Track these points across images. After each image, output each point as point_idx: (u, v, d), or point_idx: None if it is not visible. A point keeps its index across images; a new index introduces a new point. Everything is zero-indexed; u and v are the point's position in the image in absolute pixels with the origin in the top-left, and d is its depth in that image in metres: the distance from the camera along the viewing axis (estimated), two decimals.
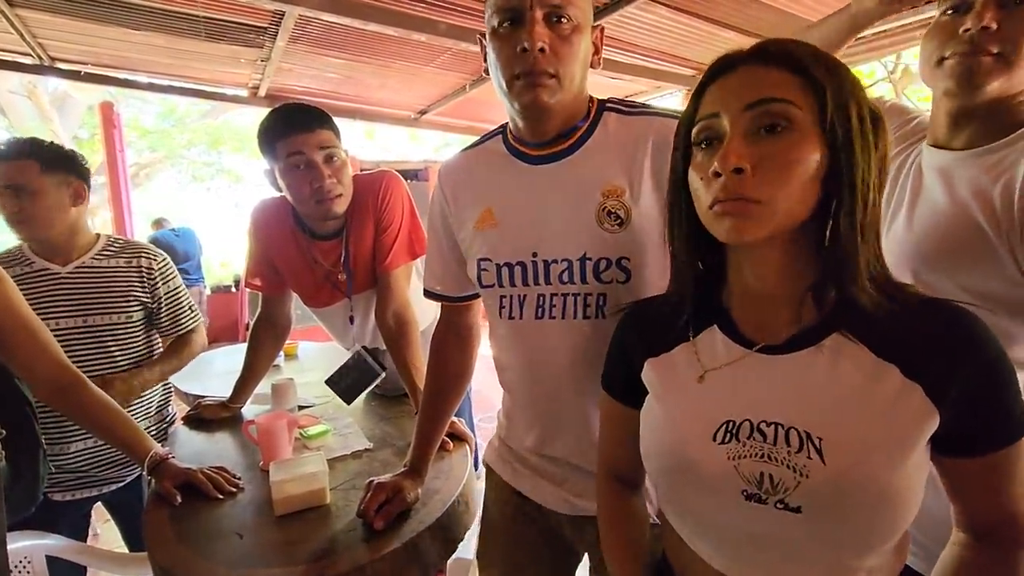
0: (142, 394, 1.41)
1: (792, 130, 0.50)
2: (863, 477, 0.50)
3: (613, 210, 0.78)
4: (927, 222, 0.82)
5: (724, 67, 0.55)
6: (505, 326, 0.88)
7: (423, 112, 4.56)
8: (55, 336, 1.23)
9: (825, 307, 0.55)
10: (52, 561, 1.20)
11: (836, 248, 0.53)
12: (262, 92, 4.02)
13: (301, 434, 1.28)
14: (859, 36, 2.76)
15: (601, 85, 3.82)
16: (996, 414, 0.52)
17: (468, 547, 1.39)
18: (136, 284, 1.39)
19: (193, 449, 1.31)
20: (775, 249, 0.55)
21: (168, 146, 10.81)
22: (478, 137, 0.96)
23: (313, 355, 2.28)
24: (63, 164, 1.29)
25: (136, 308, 1.39)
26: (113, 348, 1.36)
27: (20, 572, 1.15)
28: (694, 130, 0.56)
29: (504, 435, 1.00)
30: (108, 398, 1.14)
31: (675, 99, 4.16)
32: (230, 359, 2.32)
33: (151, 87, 4.10)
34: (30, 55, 3.38)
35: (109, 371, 1.34)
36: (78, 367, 1.19)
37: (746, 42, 0.56)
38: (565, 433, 0.87)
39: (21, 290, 1.20)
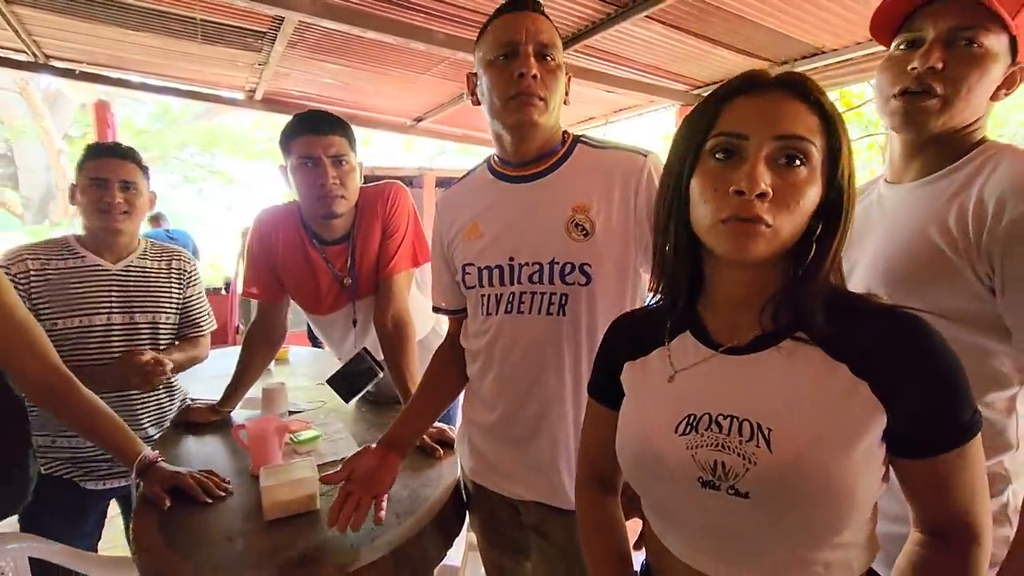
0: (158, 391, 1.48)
1: (807, 166, 0.56)
2: (807, 465, 0.53)
3: (580, 223, 0.91)
4: (892, 250, 0.86)
5: (752, 86, 0.58)
6: (482, 321, 1.01)
7: (419, 120, 4.57)
8: (102, 332, 1.34)
9: (787, 314, 0.60)
10: (37, 564, 1.19)
11: (813, 271, 0.58)
12: (258, 96, 4.02)
13: (291, 439, 1.28)
14: (848, 58, 2.80)
15: (597, 98, 3.87)
16: (944, 417, 0.55)
17: (456, 554, 1.40)
18: (176, 286, 1.49)
19: (182, 453, 1.31)
20: (756, 264, 0.59)
21: (161, 146, 10.76)
22: (472, 145, 1.08)
23: (305, 360, 2.28)
24: (147, 174, 1.44)
25: (173, 310, 1.48)
26: (149, 346, 1.42)
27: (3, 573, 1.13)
28: (712, 140, 0.58)
29: (464, 419, 1.10)
30: (98, 401, 1.14)
31: (669, 113, 4.22)
32: (220, 362, 2.29)
33: (146, 87, 4.09)
34: (24, 52, 3.36)
35: None
36: (111, 361, 1.30)
37: (739, 60, 0.60)
38: (527, 409, 0.97)
39: (71, 282, 1.31)
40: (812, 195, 0.56)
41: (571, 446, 0.94)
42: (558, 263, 0.91)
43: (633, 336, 0.72)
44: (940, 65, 0.78)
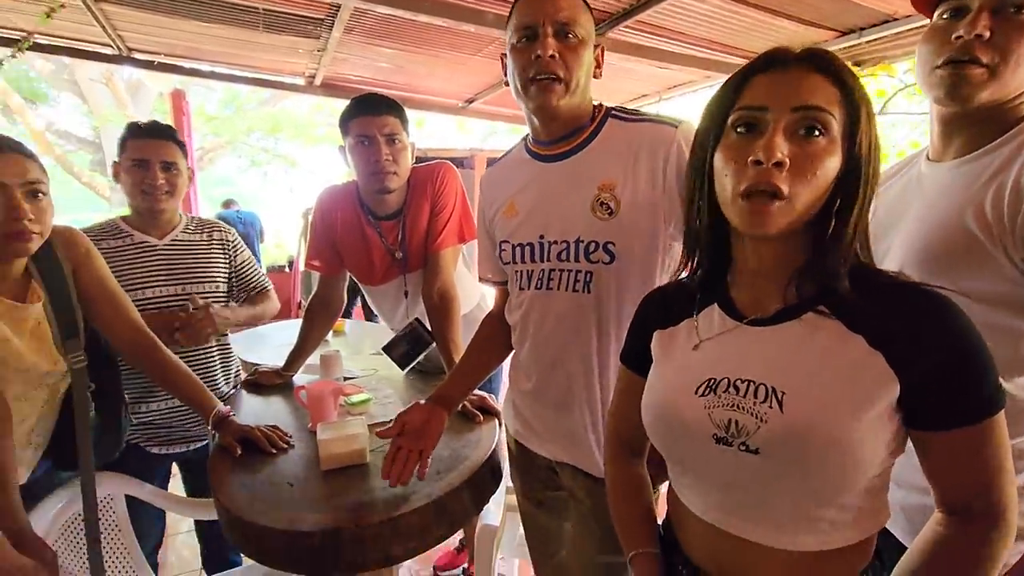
0: (219, 347, 1.57)
1: (825, 136, 0.57)
2: (815, 426, 0.56)
3: (605, 201, 0.91)
4: (927, 233, 0.83)
5: (774, 62, 0.60)
6: (518, 296, 1.07)
7: (470, 101, 4.63)
8: (155, 304, 1.41)
9: (810, 288, 0.62)
10: (131, 502, 1.36)
11: (834, 242, 0.59)
12: (317, 81, 4.18)
13: (345, 401, 1.39)
14: (921, 24, 2.62)
15: (650, 75, 3.79)
16: (961, 390, 0.55)
17: (496, 515, 1.48)
18: (220, 255, 1.56)
19: (251, 410, 1.45)
20: (778, 238, 0.60)
21: (230, 132, 11.32)
22: (522, 126, 1.10)
23: (359, 333, 2.42)
24: (185, 151, 1.49)
25: (222, 278, 1.55)
26: None
27: (104, 510, 1.31)
28: (734, 115, 0.61)
29: (510, 385, 1.16)
30: (179, 361, 1.28)
31: None
32: (284, 333, 2.52)
33: (216, 75, 4.34)
34: (110, 46, 3.64)
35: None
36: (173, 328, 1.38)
37: (803, 31, 0.61)
38: (555, 379, 1.02)
39: (122, 259, 1.39)
40: (831, 165, 0.57)
41: (599, 417, 0.98)
42: (583, 242, 0.94)
43: (664, 307, 0.76)
44: (987, 33, 0.75)
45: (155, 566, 1.46)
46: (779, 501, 0.60)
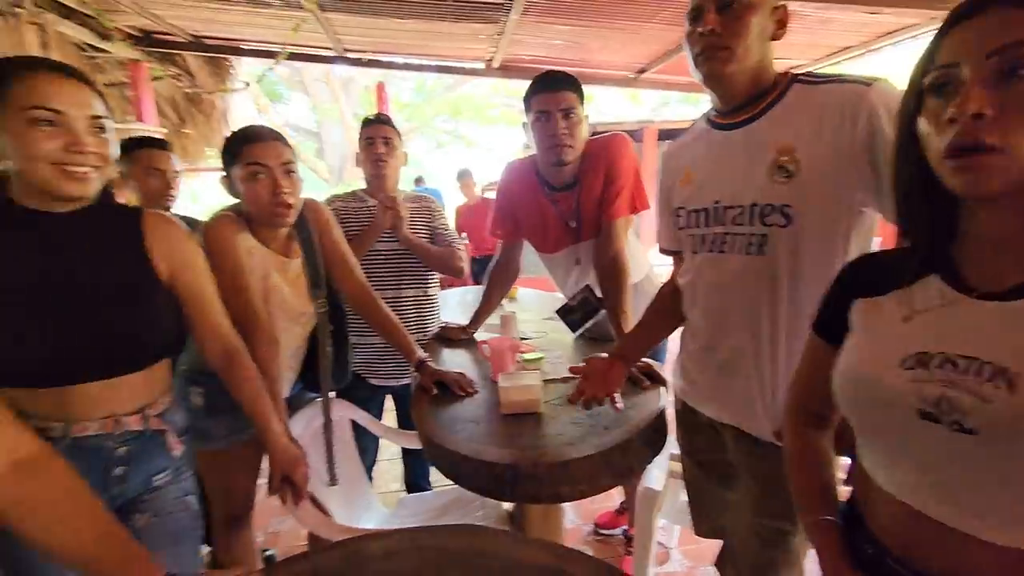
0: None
1: None
2: None
3: (784, 165, 0.89)
4: None
5: (970, 9, 0.54)
6: (690, 259, 1.10)
7: (642, 71, 4.51)
8: (381, 253, 1.79)
9: None
10: (354, 426, 1.69)
11: None
12: (495, 63, 4.43)
13: (521, 357, 1.53)
14: None
15: (857, 24, 3.31)
16: None
17: (659, 480, 1.53)
18: (423, 221, 1.88)
19: (440, 360, 1.67)
20: (1017, 197, 0.53)
21: (420, 117, 12.56)
22: (697, 94, 1.15)
23: (530, 299, 2.61)
24: (400, 136, 1.84)
25: (424, 236, 1.86)
26: (412, 265, 1.83)
27: (335, 427, 1.63)
28: (929, 78, 0.56)
29: (681, 347, 1.19)
30: (392, 313, 1.54)
31: None
32: (461, 297, 2.86)
33: (409, 67, 4.86)
34: (330, 49, 4.29)
35: (410, 283, 1.83)
36: (391, 276, 1.74)
37: None
38: (724, 340, 1.04)
39: (359, 218, 1.77)
40: None
41: (767, 379, 0.97)
42: (758, 205, 0.93)
43: (870, 275, 0.71)
44: None
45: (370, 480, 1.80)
46: (996, 489, 0.54)
